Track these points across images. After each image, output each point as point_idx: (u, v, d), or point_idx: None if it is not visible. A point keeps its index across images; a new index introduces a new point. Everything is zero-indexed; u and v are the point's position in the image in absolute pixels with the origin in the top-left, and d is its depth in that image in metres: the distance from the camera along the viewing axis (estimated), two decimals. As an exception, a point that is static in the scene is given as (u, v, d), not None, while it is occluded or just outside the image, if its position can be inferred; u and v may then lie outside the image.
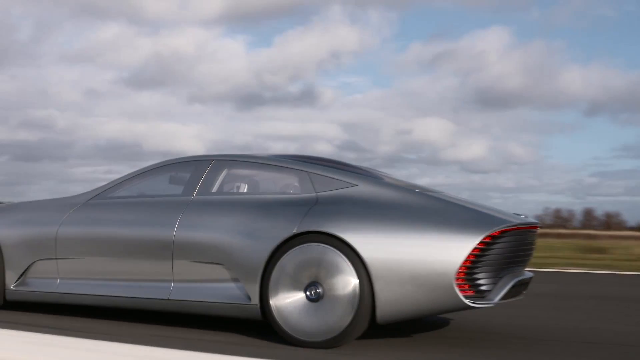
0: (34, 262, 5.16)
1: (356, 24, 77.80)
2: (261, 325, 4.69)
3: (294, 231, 4.30)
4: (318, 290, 4.21)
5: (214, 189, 4.86)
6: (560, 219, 60.71)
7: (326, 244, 4.21)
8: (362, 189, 4.51)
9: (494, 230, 4.11)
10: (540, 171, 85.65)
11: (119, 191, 5.18)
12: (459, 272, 4.04)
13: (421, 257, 4.09)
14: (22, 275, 5.20)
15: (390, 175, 5.22)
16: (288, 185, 4.78)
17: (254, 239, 4.42)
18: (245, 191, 4.88)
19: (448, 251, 4.07)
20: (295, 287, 4.27)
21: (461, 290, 4.06)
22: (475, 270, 4.13)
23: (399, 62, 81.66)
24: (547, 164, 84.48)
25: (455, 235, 4.11)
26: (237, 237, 4.49)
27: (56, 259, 5.09)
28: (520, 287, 4.49)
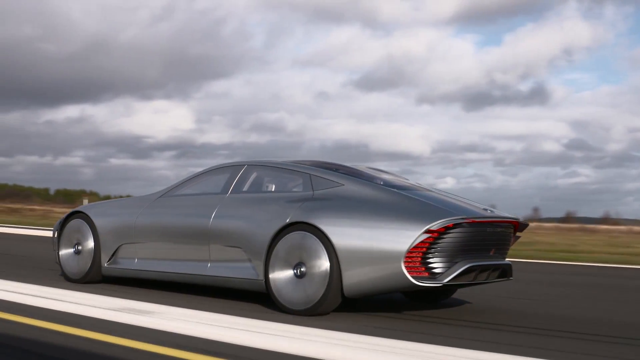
0: (120, 245, 6.63)
1: (590, 19, 75.25)
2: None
3: (287, 221, 5.39)
4: (302, 269, 5.26)
5: (245, 188, 6.05)
6: None
7: (308, 232, 5.25)
8: (347, 187, 5.50)
9: (435, 222, 4.94)
10: None
11: (180, 190, 6.52)
12: (408, 256, 4.92)
13: (377, 244, 5.02)
14: (112, 255, 6.69)
15: (398, 175, 6.15)
16: (296, 184, 5.86)
17: (262, 228, 5.56)
18: (266, 190, 6.01)
19: (398, 239, 4.97)
20: (286, 266, 5.34)
21: (410, 272, 4.93)
22: (429, 255, 4.99)
23: (633, 58, 77.94)
24: None
25: (406, 225, 4.99)
26: (252, 226, 5.65)
27: (134, 243, 6.52)
28: (482, 273, 5.24)
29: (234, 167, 6.30)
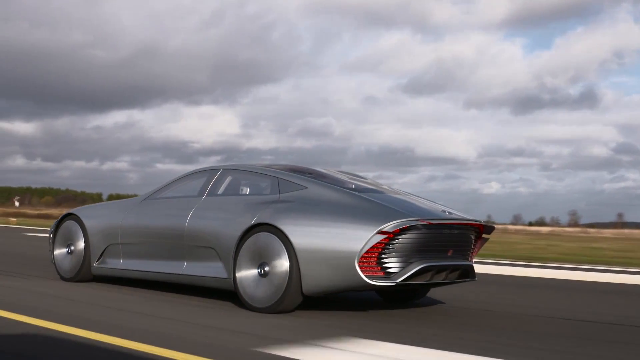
0: (108, 245, 6.93)
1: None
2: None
3: (252, 222, 5.62)
4: (266, 269, 5.48)
5: (220, 191, 6.30)
6: None
7: (271, 232, 5.48)
8: (310, 190, 5.72)
9: (389, 224, 5.12)
10: None
11: (163, 193, 6.80)
12: (364, 256, 5.11)
13: (333, 244, 5.23)
14: (101, 256, 6.99)
15: (369, 180, 6.35)
16: (266, 187, 6.09)
17: (230, 229, 5.80)
18: (241, 192, 6.25)
19: (352, 240, 5.16)
20: (252, 265, 5.57)
21: (364, 271, 5.12)
22: (384, 255, 5.17)
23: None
24: None
25: (360, 226, 5.19)
26: (222, 227, 5.89)
27: (120, 243, 6.81)
28: (439, 273, 5.40)
29: (210, 171, 6.56)
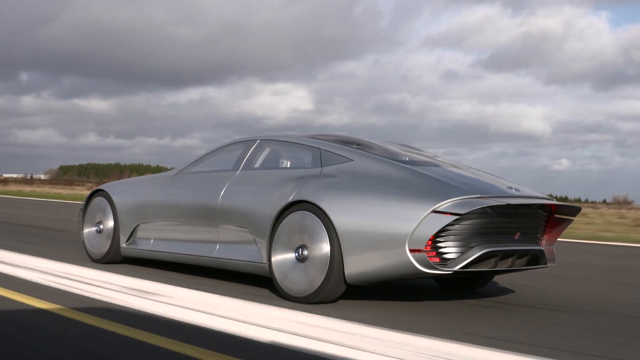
0: (138, 225, 6.34)
1: None
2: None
3: (290, 200, 4.93)
4: (304, 253, 4.79)
5: (256, 165, 5.63)
6: None
7: (310, 211, 4.78)
8: (357, 163, 4.98)
9: (442, 202, 4.36)
10: None
11: (195, 167, 6.15)
12: (415, 240, 4.37)
13: (381, 225, 4.49)
14: (130, 236, 6.41)
15: (428, 154, 5.59)
16: (307, 160, 5.38)
17: (266, 207, 5.12)
18: (280, 166, 5.55)
19: (403, 220, 4.42)
20: (288, 248, 4.89)
21: (416, 257, 4.38)
22: (440, 238, 4.42)
23: None
24: None
25: (412, 204, 4.44)
26: (257, 205, 5.22)
27: (150, 222, 6.22)
28: (504, 259, 4.63)
29: (247, 142, 5.88)
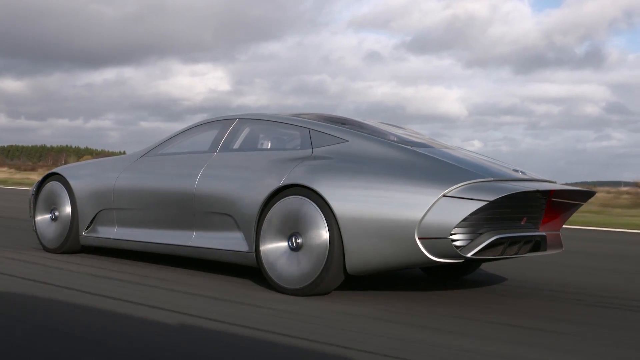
0: (99, 211, 5.83)
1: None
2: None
3: (281, 183, 4.54)
4: (298, 241, 4.41)
5: (235, 146, 5.20)
6: None
7: (304, 196, 4.40)
8: (352, 144, 4.63)
9: (455, 185, 4.06)
10: None
11: (164, 148, 5.68)
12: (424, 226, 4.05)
13: (387, 211, 4.15)
14: (91, 223, 5.90)
15: (415, 132, 5.27)
16: (295, 141, 5.00)
17: (252, 191, 4.71)
18: (260, 147, 5.15)
19: (411, 206, 4.09)
20: (280, 236, 4.51)
21: (426, 245, 4.07)
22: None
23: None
24: None
25: (420, 189, 4.12)
26: (241, 190, 4.81)
27: (113, 209, 5.72)
28: (511, 246, 4.36)
29: (223, 122, 5.44)
